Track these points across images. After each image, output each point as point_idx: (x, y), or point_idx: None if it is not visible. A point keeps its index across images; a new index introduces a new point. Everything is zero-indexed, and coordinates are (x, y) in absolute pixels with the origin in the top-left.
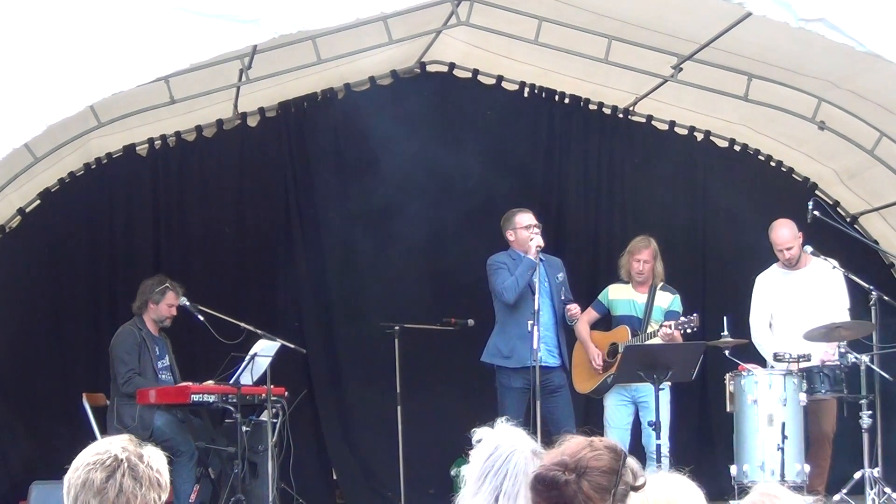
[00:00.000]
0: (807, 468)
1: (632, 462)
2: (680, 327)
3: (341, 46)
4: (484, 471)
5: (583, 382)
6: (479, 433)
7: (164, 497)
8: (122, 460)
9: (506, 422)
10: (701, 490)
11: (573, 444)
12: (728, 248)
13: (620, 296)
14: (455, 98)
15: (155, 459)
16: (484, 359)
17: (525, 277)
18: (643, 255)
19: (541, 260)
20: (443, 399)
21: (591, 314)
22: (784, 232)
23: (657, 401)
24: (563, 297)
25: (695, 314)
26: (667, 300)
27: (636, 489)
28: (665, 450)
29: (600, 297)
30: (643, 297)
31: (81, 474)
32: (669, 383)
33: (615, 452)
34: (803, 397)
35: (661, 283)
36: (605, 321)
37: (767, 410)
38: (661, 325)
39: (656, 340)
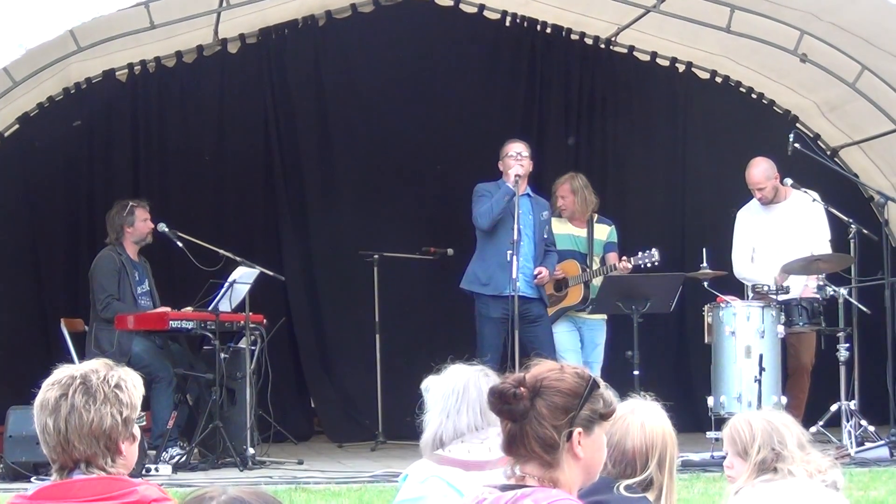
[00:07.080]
0: (783, 400)
1: (606, 391)
2: (640, 262)
3: None
4: (437, 397)
5: None
6: (426, 382)
7: (127, 413)
8: (76, 377)
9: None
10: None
11: (541, 366)
12: (708, 180)
13: (559, 230)
14: (436, 26)
15: (122, 378)
16: (463, 285)
17: (500, 204)
18: (560, 190)
19: (528, 195)
20: (421, 328)
21: None
22: (755, 172)
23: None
24: (545, 236)
25: (654, 249)
26: (604, 232)
27: (605, 416)
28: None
29: None
30: (583, 231)
31: (40, 395)
32: (605, 318)
33: (582, 378)
34: (781, 329)
35: (597, 216)
36: None
37: (745, 342)
38: (620, 261)
39: (600, 279)
